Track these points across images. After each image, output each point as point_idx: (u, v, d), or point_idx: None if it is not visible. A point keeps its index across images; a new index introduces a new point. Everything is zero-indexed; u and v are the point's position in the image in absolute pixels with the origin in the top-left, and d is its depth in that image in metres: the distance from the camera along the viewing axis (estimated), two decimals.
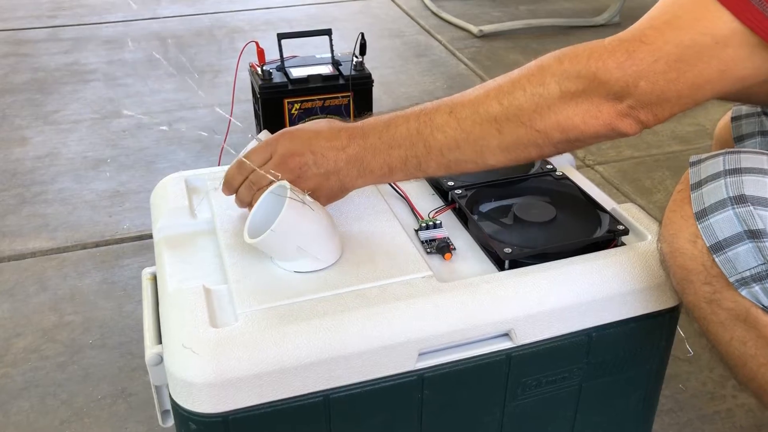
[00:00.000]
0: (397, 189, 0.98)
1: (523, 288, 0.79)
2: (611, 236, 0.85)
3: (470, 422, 0.84)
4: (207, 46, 2.60)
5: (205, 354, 0.70)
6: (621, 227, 0.86)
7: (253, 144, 0.91)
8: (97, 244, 1.53)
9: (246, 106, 2.02)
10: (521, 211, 0.89)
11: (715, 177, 0.71)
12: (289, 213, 0.77)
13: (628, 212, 0.91)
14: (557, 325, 0.80)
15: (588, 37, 2.56)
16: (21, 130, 2.00)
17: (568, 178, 0.97)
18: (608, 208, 0.90)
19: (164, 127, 2.00)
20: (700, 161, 0.74)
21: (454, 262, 0.85)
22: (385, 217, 0.91)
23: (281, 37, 1.82)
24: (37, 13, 2.93)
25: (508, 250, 0.82)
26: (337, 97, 1.84)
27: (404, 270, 0.81)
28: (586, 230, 0.87)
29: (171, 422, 0.91)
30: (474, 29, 2.69)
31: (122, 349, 1.25)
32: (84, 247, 1.52)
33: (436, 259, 0.85)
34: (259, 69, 1.81)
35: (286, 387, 0.73)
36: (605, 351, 0.84)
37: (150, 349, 0.83)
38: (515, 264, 0.83)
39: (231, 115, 1.80)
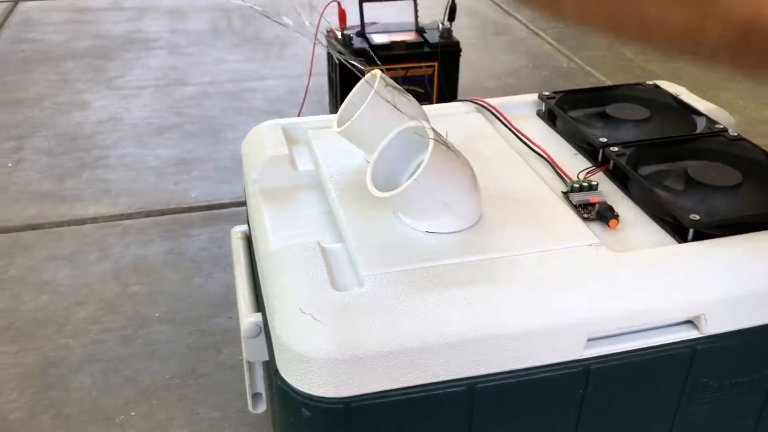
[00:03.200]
0: (536, 148, 0.82)
1: (717, 263, 0.63)
2: None
3: (634, 430, 0.68)
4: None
5: (330, 322, 0.56)
6: None
7: (374, 82, 0.76)
8: (162, 212, 1.41)
9: (316, 79, 1.88)
10: (698, 173, 0.73)
11: None
12: (435, 159, 0.62)
13: None
14: (758, 311, 0.64)
15: None
16: (82, 94, 1.89)
17: (745, 139, 0.80)
18: None
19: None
20: None
21: (620, 230, 0.69)
22: (526, 177, 0.75)
23: (363, 0, 1.67)
24: None
25: (695, 216, 0.65)
26: (421, 67, 1.69)
27: (563, 236, 0.65)
28: None
29: (263, 408, 0.76)
30: None
31: (191, 325, 1.11)
32: (148, 214, 1.40)
33: (597, 227, 0.69)
34: (338, 33, 1.66)
35: (424, 370, 0.57)
36: None
37: (246, 318, 0.69)
38: (700, 236, 0.66)
39: (309, 79, 1.65)
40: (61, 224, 1.36)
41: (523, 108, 0.94)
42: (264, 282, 0.65)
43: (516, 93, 1.94)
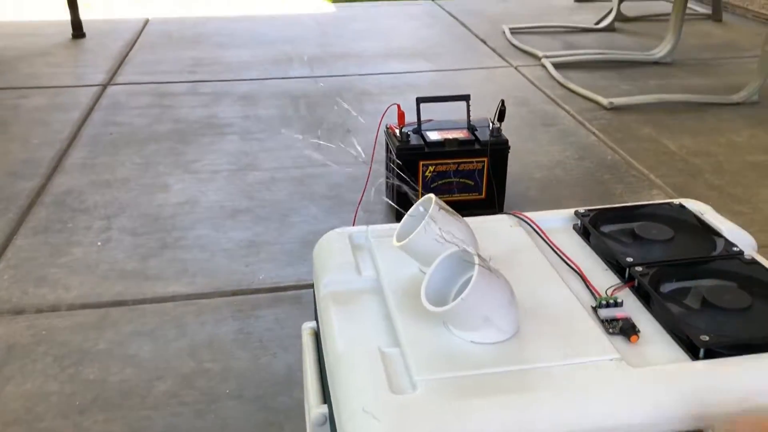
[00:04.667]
0: (569, 262, 0.94)
1: (725, 381, 0.72)
2: None
3: None
4: (334, 107, 2.67)
5: (387, 421, 0.67)
6: None
7: (428, 205, 0.89)
8: (234, 293, 1.56)
9: (376, 167, 2.05)
10: (712, 295, 0.82)
11: None
12: (480, 281, 0.74)
13: None
14: (761, 428, 0.73)
15: (724, 115, 2.46)
16: (163, 177, 2.09)
17: (758, 263, 0.90)
18: None
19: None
20: None
21: (640, 345, 0.79)
22: (559, 291, 0.87)
23: (420, 100, 1.84)
24: (178, 68, 3.11)
25: (705, 337, 0.75)
26: (472, 162, 1.83)
27: (589, 350, 0.76)
28: None
29: None
30: (604, 101, 2.64)
31: (259, 402, 1.24)
32: (221, 294, 1.55)
33: (619, 341, 0.79)
34: (397, 131, 1.83)
35: None
36: None
37: (315, 408, 0.81)
38: (710, 354, 0.76)
39: (369, 174, 1.81)
40: (143, 301, 1.52)
41: (560, 222, 1.05)
42: (332, 380, 0.78)
43: (561, 183, 2.06)
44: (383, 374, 0.73)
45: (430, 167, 1.83)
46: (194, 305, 1.51)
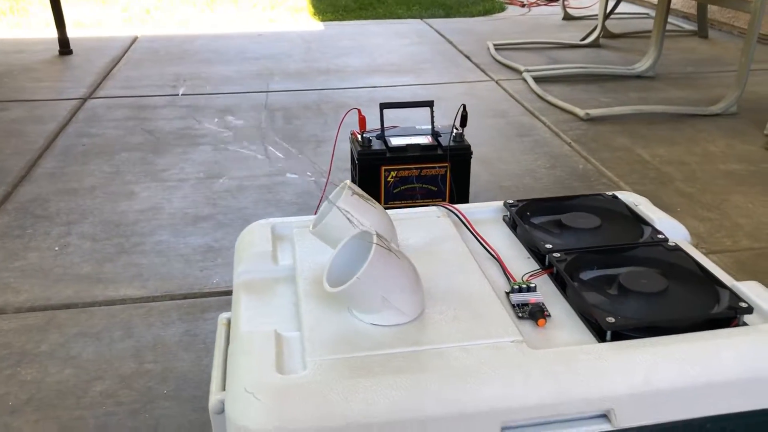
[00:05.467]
0: (490, 249, 0.91)
1: (627, 362, 0.70)
2: (732, 313, 0.75)
3: None
4: (312, 119, 2.67)
5: (268, 400, 0.65)
6: (744, 305, 0.75)
7: (341, 192, 0.87)
8: (185, 296, 1.53)
9: (345, 175, 2.03)
10: (627, 279, 0.80)
11: None
12: (376, 260, 0.72)
13: (751, 290, 0.80)
14: (665, 409, 0.70)
15: (702, 126, 2.44)
16: (130, 185, 2.08)
17: (682, 249, 0.87)
18: (728, 284, 0.80)
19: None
20: None
21: (549, 329, 0.77)
22: (473, 276, 0.84)
23: (383, 106, 1.83)
24: (160, 82, 3.13)
25: (611, 319, 0.73)
26: (434, 167, 1.81)
27: (491, 332, 0.74)
28: (701, 305, 0.77)
29: None
30: (580, 112, 2.63)
31: (195, 402, 1.21)
32: (172, 298, 1.53)
33: (527, 325, 0.77)
34: (359, 136, 1.82)
35: None
36: None
37: (214, 396, 0.79)
38: (618, 336, 0.73)
39: (329, 173, 1.80)
40: (93, 304, 1.50)
41: (490, 213, 1.03)
42: (228, 363, 0.76)
43: (529, 191, 2.04)
44: (273, 356, 0.71)
45: (392, 173, 1.81)
46: (143, 308, 1.49)
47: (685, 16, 4.39)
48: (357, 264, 0.79)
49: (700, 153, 2.31)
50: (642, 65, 3.20)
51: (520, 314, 0.78)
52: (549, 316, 0.78)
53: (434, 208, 1.03)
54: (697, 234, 1.77)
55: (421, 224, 0.98)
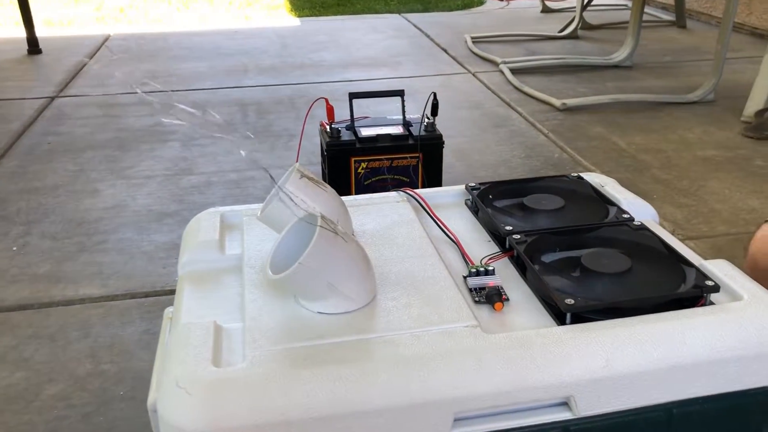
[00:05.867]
0: (449, 233, 0.87)
1: (586, 346, 0.66)
2: (698, 292, 0.71)
3: None
4: (285, 113, 2.61)
5: (200, 396, 0.60)
6: (710, 283, 0.71)
7: (290, 175, 0.83)
8: (146, 294, 1.48)
9: (316, 169, 1.99)
10: (590, 260, 0.76)
11: None
12: (321, 244, 0.68)
13: (719, 268, 0.76)
14: (628, 395, 0.66)
15: (679, 114, 2.40)
16: (95, 183, 2.02)
17: (647, 229, 0.83)
18: (695, 263, 0.76)
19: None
20: None
21: (506, 313, 0.72)
22: (429, 261, 0.80)
23: (352, 96, 1.78)
24: (132, 80, 3.06)
25: (570, 301, 0.69)
26: (406, 158, 1.77)
27: (445, 318, 0.69)
28: (666, 285, 0.73)
29: None
30: (557, 102, 2.59)
31: None
32: (133, 296, 1.47)
33: (484, 310, 0.73)
34: (328, 127, 1.77)
35: None
36: None
37: (152, 393, 0.74)
38: (579, 319, 0.69)
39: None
40: (50, 305, 1.44)
41: (452, 198, 0.99)
42: (165, 357, 0.71)
43: None
44: (210, 348, 0.66)
45: (362, 164, 1.77)
46: (102, 307, 1.44)
47: (664, 7, 4.37)
48: (303, 249, 0.74)
49: (677, 140, 2.28)
50: (619, 55, 3.18)
51: (477, 298, 0.74)
52: (507, 300, 0.74)
53: (394, 193, 0.99)
54: (674, 220, 1.74)
55: (379, 209, 0.94)
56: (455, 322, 0.68)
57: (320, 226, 0.68)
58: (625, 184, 1.03)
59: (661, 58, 3.30)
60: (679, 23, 3.96)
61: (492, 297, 0.73)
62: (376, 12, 4.64)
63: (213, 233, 0.88)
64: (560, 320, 0.70)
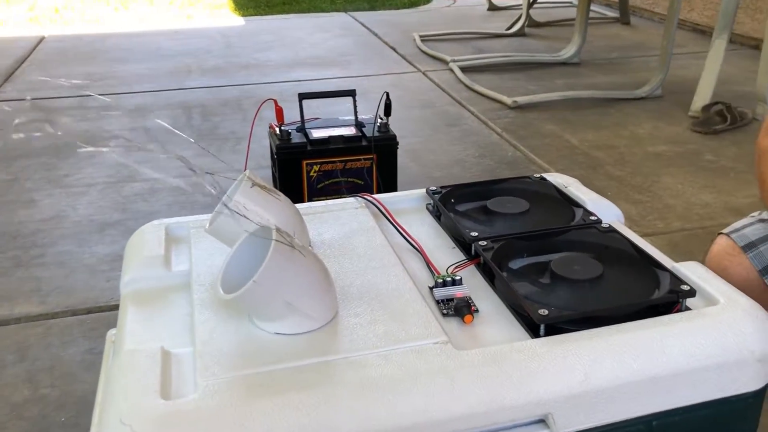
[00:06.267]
0: (411, 241, 0.83)
1: (563, 360, 0.62)
2: (674, 298, 0.68)
3: None
4: (231, 115, 2.53)
5: None
6: (686, 287, 0.68)
7: (240, 184, 0.77)
8: (89, 311, 1.40)
9: (267, 173, 1.92)
10: (560, 266, 0.73)
11: None
12: (276, 259, 0.62)
13: (692, 271, 0.74)
14: (608, 409, 0.62)
15: (629, 110, 2.41)
16: (30, 192, 1.91)
17: (617, 231, 0.81)
18: (668, 266, 0.74)
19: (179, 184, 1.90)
20: None
21: (476, 326, 0.68)
22: (393, 272, 0.75)
23: (302, 97, 1.72)
24: (68, 84, 2.93)
25: (543, 311, 0.65)
26: (360, 159, 1.72)
27: (412, 334, 0.65)
28: (641, 291, 0.70)
29: None
30: (508, 100, 2.58)
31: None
32: (74, 313, 1.39)
33: (453, 323, 0.69)
34: (277, 129, 1.70)
35: None
36: None
37: (95, 428, 0.67)
38: (553, 330, 0.66)
39: (245, 170, 1.69)
40: None
41: (413, 202, 0.95)
42: (106, 388, 0.64)
43: (459, 181, 1.97)
44: (158, 378, 0.60)
45: (314, 167, 1.71)
46: (42, 326, 1.34)
47: (608, 4, 4.43)
48: (256, 265, 0.68)
49: (628, 136, 2.29)
50: (567, 52, 3.19)
51: (445, 311, 0.70)
52: (477, 311, 0.70)
53: (352, 199, 0.94)
54: (630, 217, 1.73)
55: (337, 217, 0.89)
56: (424, 338, 0.64)
57: (275, 240, 0.63)
58: (580, 181, 1.01)
59: (607, 55, 3.33)
60: (623, 20, 4.01)
61: (461, 309, 0.69)
62: (323, 10, 4.57)
63: (158, 248, 0.82)
64: (533, 331, 0.66)
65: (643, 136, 2.29)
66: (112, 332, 0.84)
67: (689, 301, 0.69)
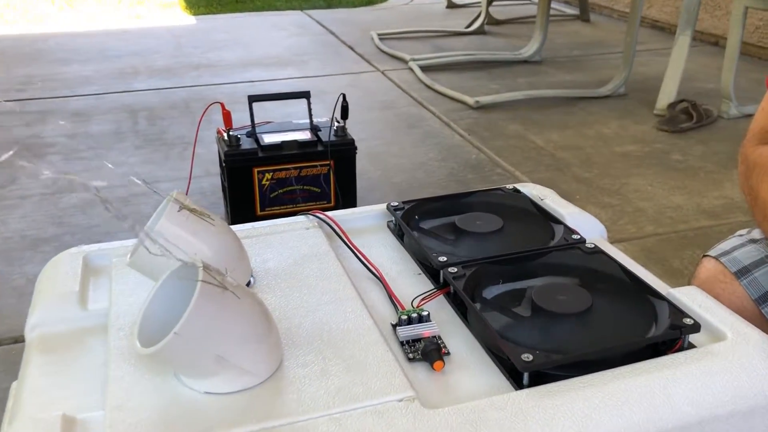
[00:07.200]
0: (371, 267, 0.72)
1: (553, 416, 0.52)
2: (676, 334, 0.59)
3: None
4: (180, 119, 2.39)
5: None
6: (689, 321, 0.59)
7: (167, 206, 0.65)
8: (15, 340, 1.26)
9: (216, 180, 1.79)
10: (542, 297, 0.62)
11: None
12: (203, 305, 0.51)
13: (692, 299, 0.64)
14: None
15: (593, 109, 2.33)
16: None
17: (603, 252, 0.71)
18: (663, 293, 0.64)
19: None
20: None
21: (448, 373, 0.58)
22: (349, 307, 0.64)
23: (252, 99, 1.60)
24: (6, 86, 2.75)
25: (527, 357, 0.55)
26: (316, 166, 1.60)
27: (372, 389, 0.54)
28: (637, 326, 0.60)
29: None
30: (470, 100, 2.49)
31: None
32: (0, 343, 1.25)
33: (421, 369, 0.58)
34: (225, 134, 1.58)
35: None
36: None
37: None
38: (538, 377, 0.55)
39: (189, 187, 1.56)
40: None
41: (372, 220, 0.84)
42: None
43: (422, 187, 1.87)
44: None
45: (266, 175, 1.59)
46: None
47: (566, 1, 4.39)
48: (182, 308, 0.57)
49: (594, 136, 2.22)
50: (528, 50, 3.12)
51: (411, 355, 0.59)
52: (448, 354, 0.59)
53: (302, 217, 0.83)
54: (601, 222, 1.65)
55: (284, 240, 0.77)
56: (386, 394, 0.53)
57: (202, 281, 0.51)
58: (547, 184, 0.92)
59: (569, 53, 3.28)
60: (583, 17, 3.97)
61: (430, 354, 0.58)
62: (277, 9, 4.44)
63: (73, 282, 0.70)
64: (515, 380, 0.56)
65: (609, 135, 2.23)
66: (15, 385, 0.71)
67: (694, 338, 0.60)
